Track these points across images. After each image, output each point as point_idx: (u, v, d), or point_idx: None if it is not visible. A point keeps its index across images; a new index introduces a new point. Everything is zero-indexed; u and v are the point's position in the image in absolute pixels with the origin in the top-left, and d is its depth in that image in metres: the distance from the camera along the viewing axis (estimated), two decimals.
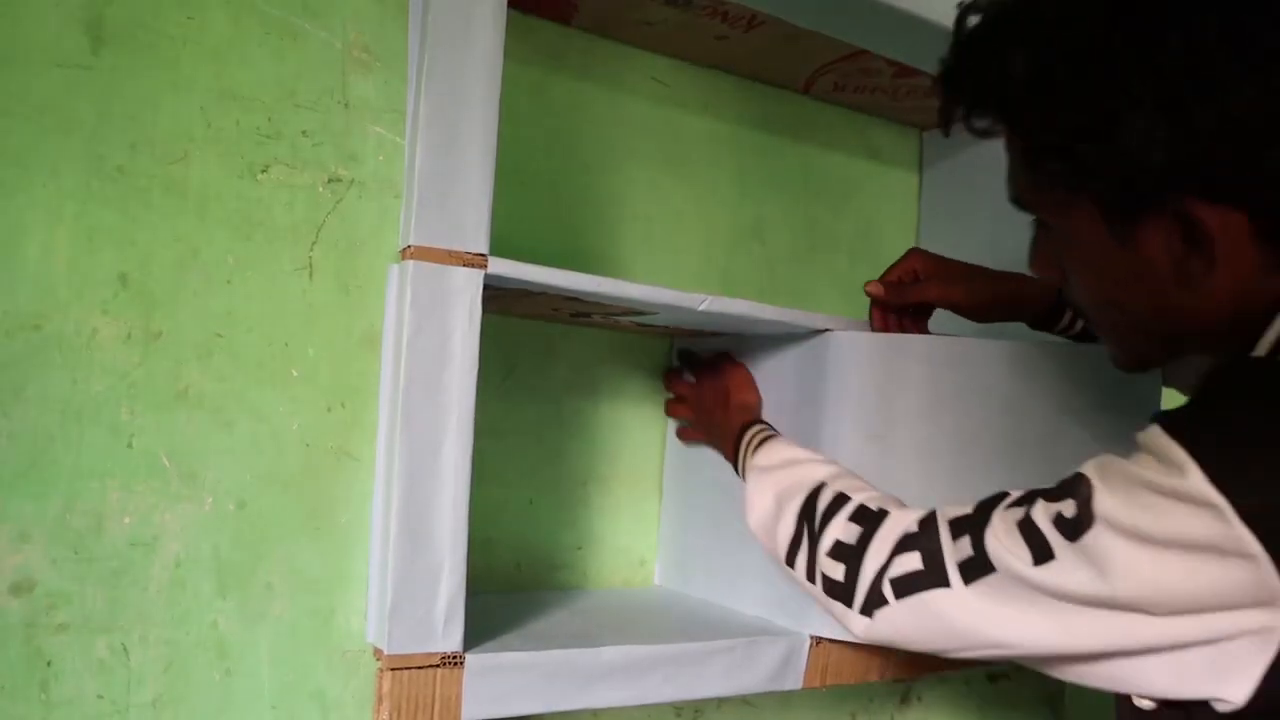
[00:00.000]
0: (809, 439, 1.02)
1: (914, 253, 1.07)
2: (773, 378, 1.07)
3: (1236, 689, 0.61)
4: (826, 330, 1.02)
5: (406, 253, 0.84)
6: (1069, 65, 0.64)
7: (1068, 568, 0.65)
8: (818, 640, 1.00)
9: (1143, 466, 0.63)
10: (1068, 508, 0.66)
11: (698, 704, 1.18)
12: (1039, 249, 0.81)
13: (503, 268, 0.84)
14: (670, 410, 1.19)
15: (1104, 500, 0.64)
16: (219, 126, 0.85)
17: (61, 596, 0.78)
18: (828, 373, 1.01)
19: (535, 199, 1.12)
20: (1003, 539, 0.70)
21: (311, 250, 0.88)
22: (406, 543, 0.81)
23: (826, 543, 0.82)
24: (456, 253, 0.83)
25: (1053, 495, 0.68)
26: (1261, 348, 0.64)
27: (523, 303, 0.97)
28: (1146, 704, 0.67)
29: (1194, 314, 0.67)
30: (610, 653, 0.89)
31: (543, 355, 1.12)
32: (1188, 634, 0.62)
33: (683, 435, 1.18)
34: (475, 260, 0.83)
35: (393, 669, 0.81)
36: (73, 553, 0.79)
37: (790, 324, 1.00)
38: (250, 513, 0.85)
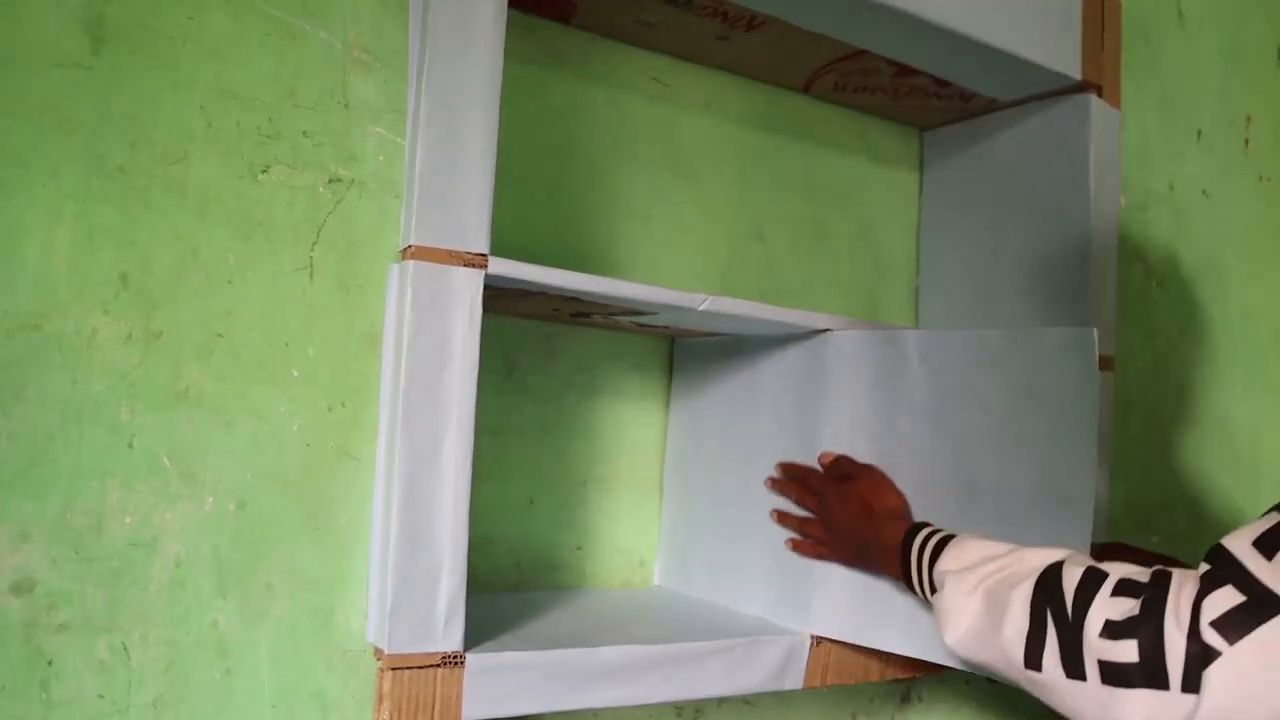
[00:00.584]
0: (809, 439, 1.02)
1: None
2: (773, 378, 1.07)
3: None
4: (826, 330, 1.02)
5: (407, 253, 0.84)
6: None
7: None
8: (818, 640, 1.00)
9: None
10: None
11: (698, 704, 1.18)
12: None
13: (503, 268, 0.84)
14: (799, 548, 1.03)
15: None
16: (219, 126, 0.85)
17: (62, 596, 0.78)
18: (828, 372, 1.01)
19: (535, 199, 1.12)
20: None
21: (312, 250, 0.88)
22: (407, 542, 0.81)
23: (1094, 625, 0.66)
24: (457, 253, 0.83)
25: None
26: None
27: (523, 303, 0.97)
28: None
29: None
30: (610, 653, 0.89)
31: (543, 355, 1.12)
32: None
33: (801, 550, 1.03)
34: (475, 260, 0.83)
35: (393, 669, 0.81)
36: (73, 552, 0.79)
37: (790, 324, 1.00)
38: (250, 512, 0.85)
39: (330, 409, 0.88)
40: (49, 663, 0.78)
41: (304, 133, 0.88)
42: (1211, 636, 0.59)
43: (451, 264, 0.83)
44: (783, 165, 1.32)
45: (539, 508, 1.12)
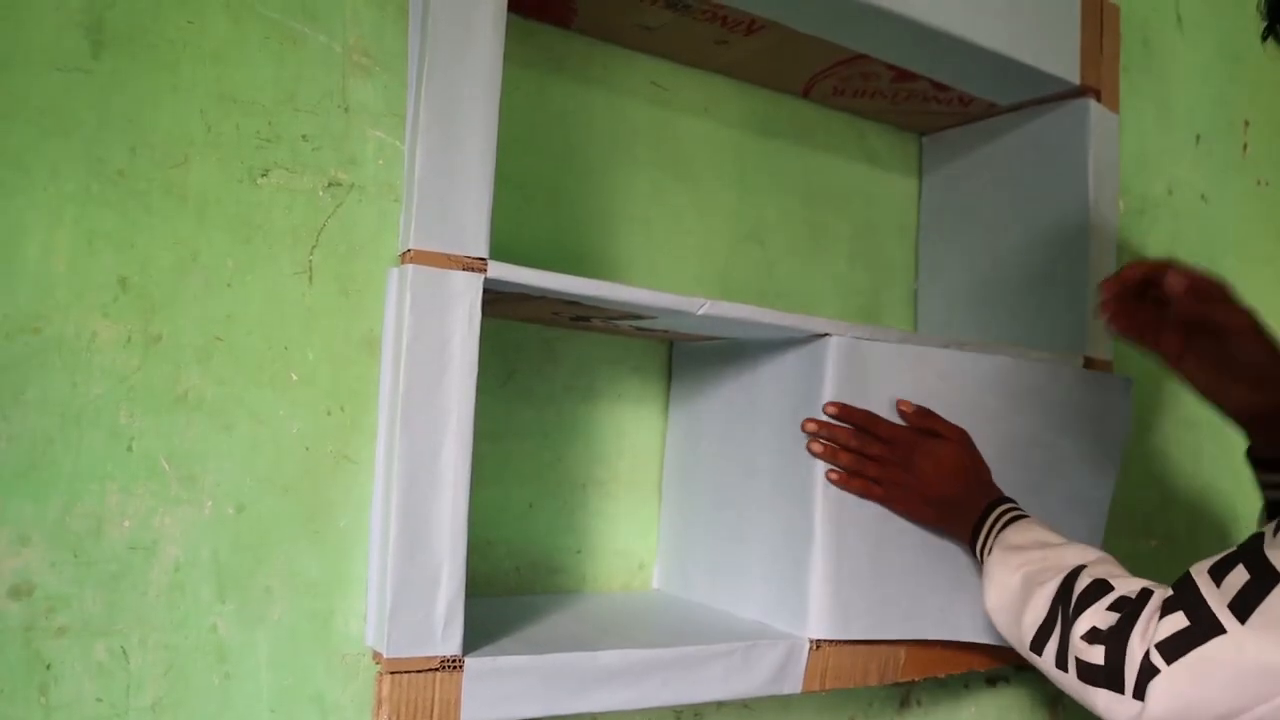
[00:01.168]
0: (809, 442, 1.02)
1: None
2: (772, 382, 1.07)
3: None
4: (826, 335, 1.02)
5: (406, 256, 0.84)
6: None
7: None
8: (817, 644, 1.00)
9: None
10: None
11: (697, 708, 1.18)
12: None
13: (502, 271, 0.84)
14: (848, 484, 1.01)
15: None
16: (219, 130, 0.85)
17: (61, 600, 0.78)
18: (827, 377, 1.01)
19: (535, 203, 1.12)
20: None
21: (311, 254, 0.88)
22: (406, 546, 0.82)
23: (1081, 628, 0.77)
24: (456, 256, 0.83)
25: None
26: None
27: (522, 306, 0.97)
28: None
29: None
30: (609, 656, 0.89)
31: (542, 359, 1.12)
32: None
33: (850, 486, 1.01)
34: (475, 264, 0.84)
35: (392, 672, 0.81)
36: (72, 556, 0.79)
37: (790, 328, 1.00)
38: (249, 516, 0.85)
39: (329, 413, 0.88)
40: (48, 666, 0.78)
41: (303, 136, 0.88)
42: (1155, 657, 0.69)
43: (451, 268, 0.83)
44: (782, 169, 1.32)
45: (538, 511, 1.12)
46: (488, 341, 0.85)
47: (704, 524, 1.14)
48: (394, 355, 0.85)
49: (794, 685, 0.99)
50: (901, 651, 1.07)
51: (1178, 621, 0.69)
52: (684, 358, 1.20)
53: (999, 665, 1.18)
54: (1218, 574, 0.69)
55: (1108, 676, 0.73)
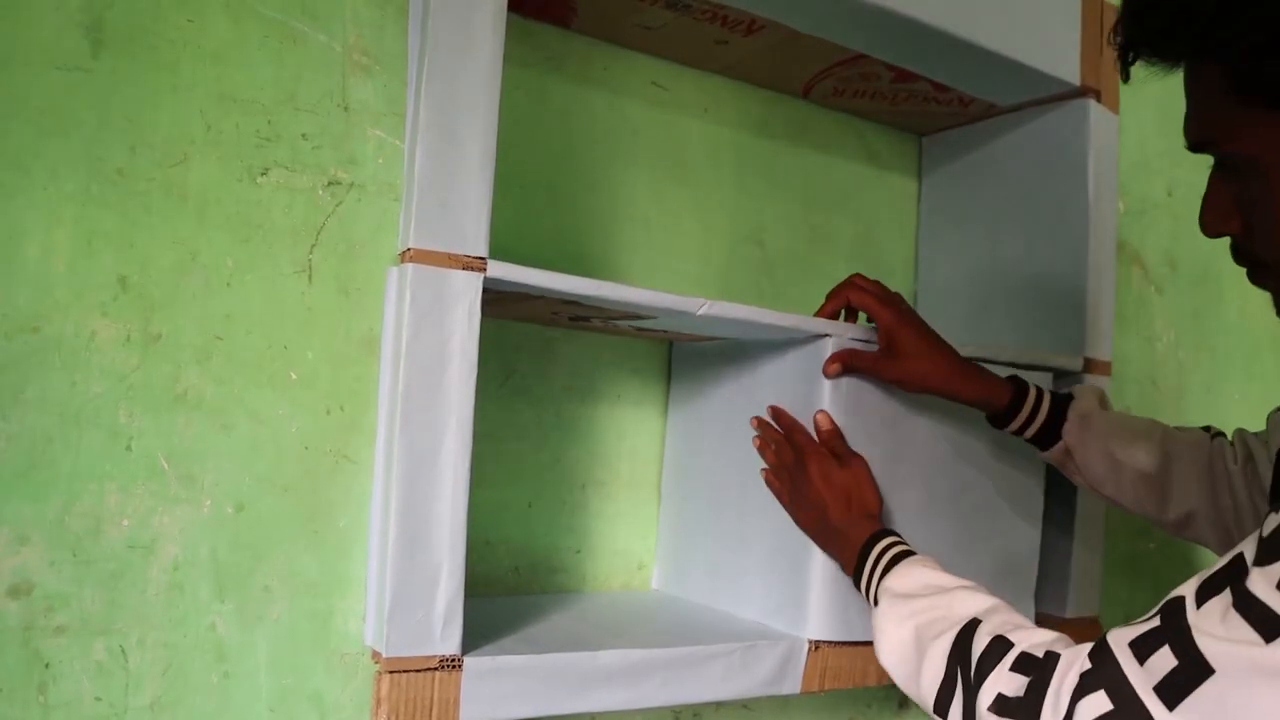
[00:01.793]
0: None
1: (864, 290, 1.04)
2: (771, 383, 1.07)
3: None
4: (825, 335, 1.02)
5: (406, 256, 0.84)
6: None
7: None
8: (816, 644, 1.00)
9: None
10: None
11: (696, 708, 1.18)
12: (1216, 199, 0.74)
13: (502, 271, 0.84)
14: (771, 484, 1.05)
15: None
16: (219, 129, 0.85)
17: (60, 599, 0.78)
18: (826, 382, 1.01)
19: (534, 202, 1.12)
20: (1219, 632, 0.59)
21: (311, 253, 0.88)
22: (405, 546, 0.81)
23: (987, 697, 0.71)
24: (456, 256, 0.83)
25: (1265, 557, 0.58)
26: None
27: (522, 306, 0.97)
28: None
29: None
30: (608, 656, 0.89)
31: (542, 359, 1.12)
32: None
33: (771, 487, 1.05)
34: (474, 263, 0.84)
35: (391, 672, 0.80)
36: (71, 555, 0.79)
37: (789, 329, 1.00)
38: (249, 515, 0.85)
39: (329, 412, 0.88)
40: (46, 665, 0.78)
41: (303, 136, 0.88)
42: None
43: (450, 267, 0.83)
44: (781, 170, 1.32)
45: (537, 511, 1.12)
46: (487, 341, 0.85)
47: (703, 524, 1.14)
48: (393, 354, 0.85)
49: (793, 686, 0.99)
50: None
51: (1099, 703, 0.63)
52: (683, 358, 1.20)
53: None
54: (1140, 651, 0.62)
55: None
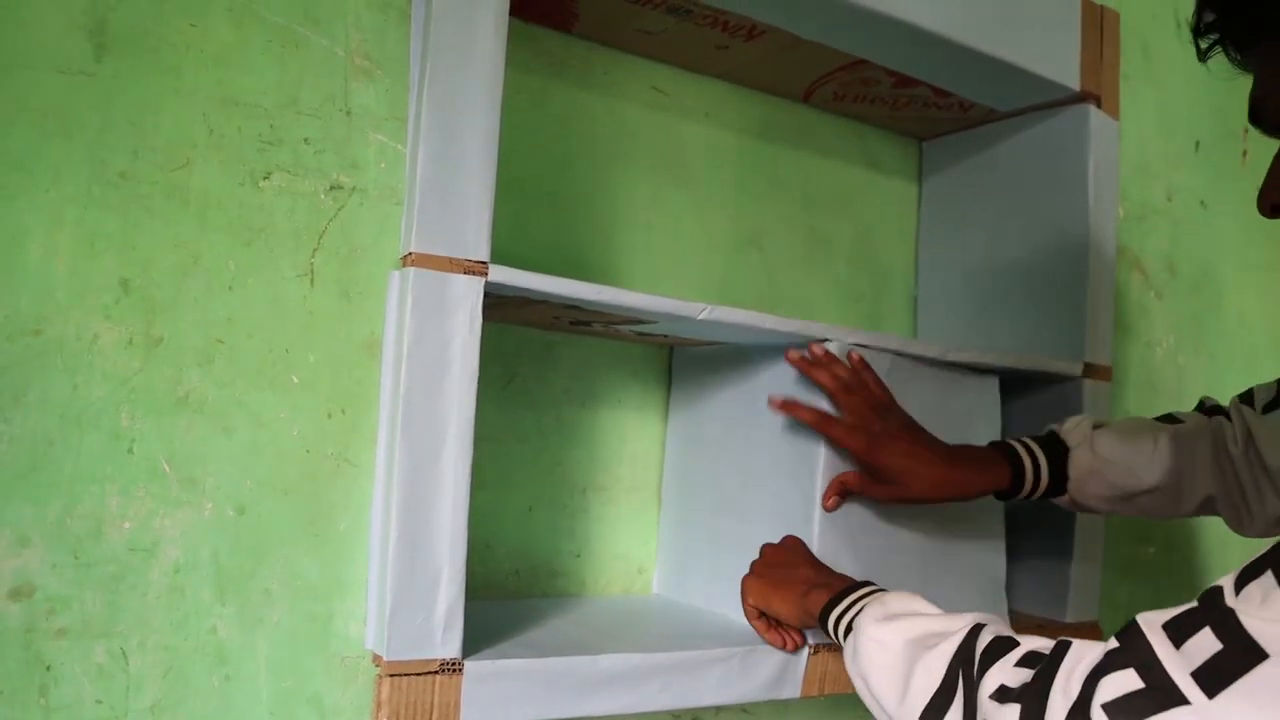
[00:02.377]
0: (808, 449, 1.02)
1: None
2: (772, 387, 1.07)
3: None
4: (826, 340, 1.02)
5: (407, 260, 0.84)
6: None
7: None
8: (815, 649, 1.00)
9: None
10: None
11: (695, 712, 1.18)
12: None
13: (503, 275, 0.84)
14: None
15: None
16: (221, 133, 0.85)
17: (61, 601, 0.78)
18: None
19: (535, 207, 1.12)
20: (1266, 614, 0.54)
21: (313, 257, 0.88)
22: (405, 549, 0.82)
23: (989, 685, 0.65)
24: (457, 260, 0.83)
25: None
26: None
27: (523, 311, 0.98)
28: None
29: None
30: (608, 660, 0.89)
31: (542, 363, 1.13)
32: None
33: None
34: (476, 268, 0.84)
35: (391, 675, 0.81)
36: (72, 557, 0.79)
37: (790, 333, 1.00)
38: (250, 518, 0.85)
39: (330, 415, 0.88)
40: (47, 668, 0.78)
41: (305, 140, 0.88)
42: (1100, 716, 0.57)
43: (452, 271, 0.83)
44: (782, 174, 1.32)
45: (538, 515, 1.12)
46: (488, 345, 0.85)
47: (703, 529, 1.14)
48: (395, 358, 0.85)
49: (793, 690, 0.99)
50: None
51: (1127, 680, 0.57)
52: (684, 363, 1.20)
53: None
54: (1176, 633, 0.57)
55: None
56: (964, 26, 1.10)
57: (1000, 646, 0.68)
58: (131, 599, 0.81)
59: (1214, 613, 0.56)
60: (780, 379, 1.06)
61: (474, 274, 0.84)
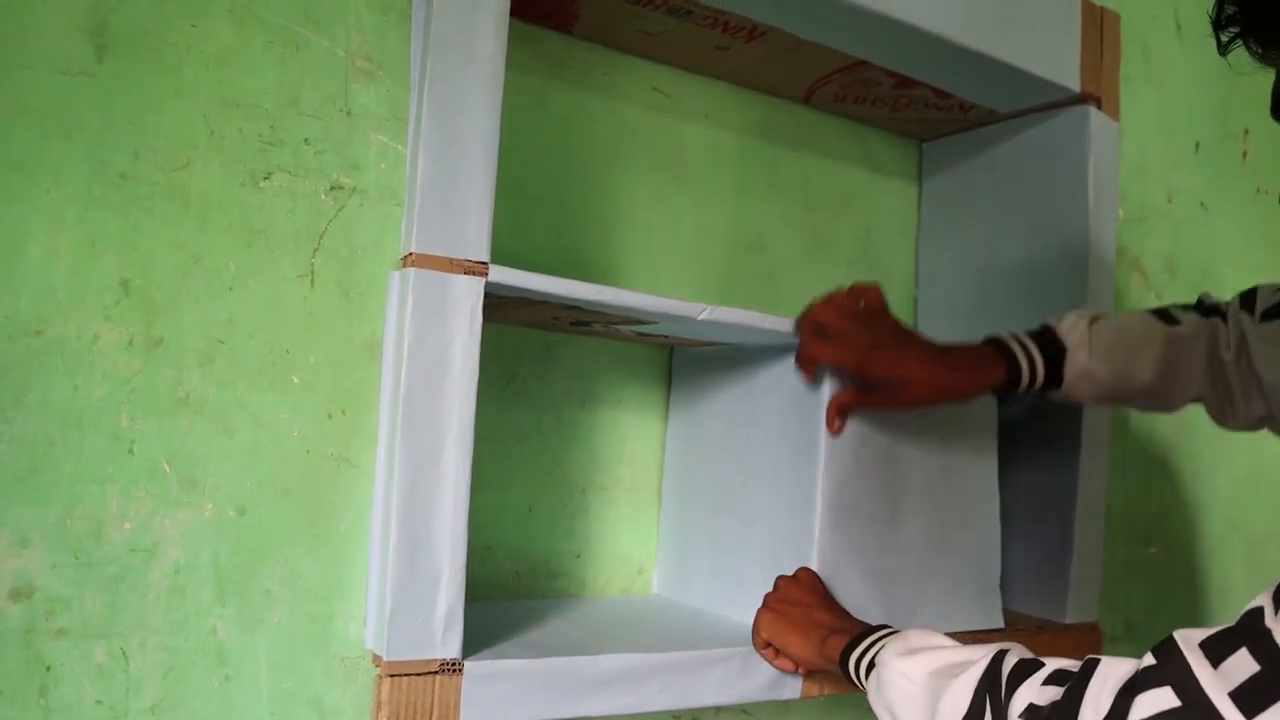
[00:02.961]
0: (809, 448, 1.02)
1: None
2: (772, 388, 1.07)
3: None
4: None
5: (408, 260, 0.84)
6: None
7: None
8: None
9: None
10: None
11: (696, 712, 1.18)
12: None
13: (503, 275, 0.84)
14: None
15: None
16: (221, 134, 0.85)
17: (61, 602, 0.78)
18: (826, 383, 1.01)
19: (535, 208, 1.12)
20: None
21: (313, 257, 0.88)
22: (405, 550, 0.82)
23: (1018, 705, 0.65)
24: (458, 260, 0.83)
25: None
26: None
27: (523, 311, 0.98)
28: None
29: None
30: (609, 661, 0.89)
31: (543, 364, 1.13)
32: None
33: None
34: (476, 268, 0.84)
35: (391, 676, 0.81)
36: (72, 558, 0.79)
37: (790, 334, 1.00)
38: (250, 519, 0.85)
39: (330, 416, 0.89)
40: (47, 668, 0.78)
41: (306, 140, 0.88)
42: None
43: (452, 272, 0.83)
44: (782, 175, 1.32)
45: (538, 515, 1.12)
46: (488, 346, 0.85)
47: (704, 529, 1.14)
48: (395, 359, 0.85)
49: (793, 691, 0.99)
50: None
51: (1164, 699, 0.56)
52: (684, 363, 1.20)
53: None
54: (1213, 653, 0.57)
55: None
56: (964, 27, 1.10)
57: (1026, 668, 0.68)
58: (132, 599, 0.81)
59: (1251, 634, 0.56)
60: (780, 380, 1.06)
61: (474, 274, 0.84)
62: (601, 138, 1.17)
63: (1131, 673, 0.59)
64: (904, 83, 1.22)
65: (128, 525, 0.81)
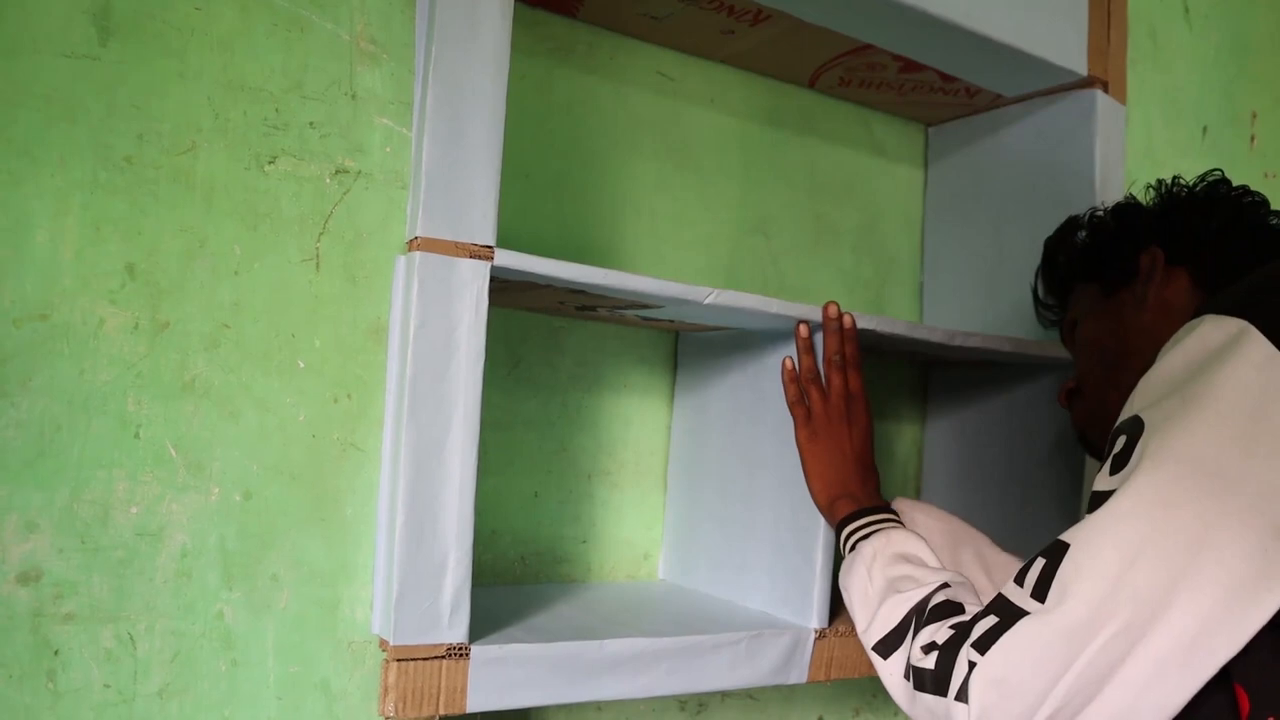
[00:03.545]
0: None
1: None
2: (777, 372, 1.07)
3: None
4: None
5: (413, 244, 0.84)
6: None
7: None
8: (821, 634, 1.00)
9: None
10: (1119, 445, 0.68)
11: (701, 697, 1.18)
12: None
13: (509, 259, 0.84)
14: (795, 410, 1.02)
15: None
16: (226, 117, 0.85)
17: (68, 586, 0.78)
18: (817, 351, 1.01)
19: (541, 192, 1.12)
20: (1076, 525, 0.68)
21: (318, 241, 0.88)
22: (412, 534, 0.82)
23: (922, 639, 0.76)
24: (463, 244, 0.83)
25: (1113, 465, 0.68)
26: None
27: (528, 295, 0.97)
28: None
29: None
30: (614, 645, 0.89)
31: (548, 348, 1.12)
32: None
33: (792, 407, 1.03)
34: (481, 252, 0.84)
35: (398, 660, 0.81)
36: (79, 542, 0.79)
37: (795, 318, 1.00)
38: (256, 503, 0.85)
39: (336, 400, 0.89)
40: (55, 652, 0.78)
41: (311, 124, 0.88)
42: (972, 654, 0.69)
43: (458, 255, 0.83)
44: (787, 160, 1.32)
45: (544, 501, 1.12)
46: (494, 330, 0.85)
47: (709, 514, 1.14)
48: (401, 343, 0.85)
49: (799, 675, 1.00)
50: None
51: (988, 622, 0.69)
52: (689, 348, 1.20)
53: None
54: (1020, 577, 0.70)
55: (935, 683, 0.72)
56: (970, 11, 1.10)
57: (948, 609, 0.78)
58: (139, 584, 0.81)
59: (1044, 547, 0.69)
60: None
61: (480, 258, 0.83)
62: (606, 122, 1.17)
63: (981, 609, 0.72)
64: (910, 67, 1.22)
65: (134, 510, 0.81)
